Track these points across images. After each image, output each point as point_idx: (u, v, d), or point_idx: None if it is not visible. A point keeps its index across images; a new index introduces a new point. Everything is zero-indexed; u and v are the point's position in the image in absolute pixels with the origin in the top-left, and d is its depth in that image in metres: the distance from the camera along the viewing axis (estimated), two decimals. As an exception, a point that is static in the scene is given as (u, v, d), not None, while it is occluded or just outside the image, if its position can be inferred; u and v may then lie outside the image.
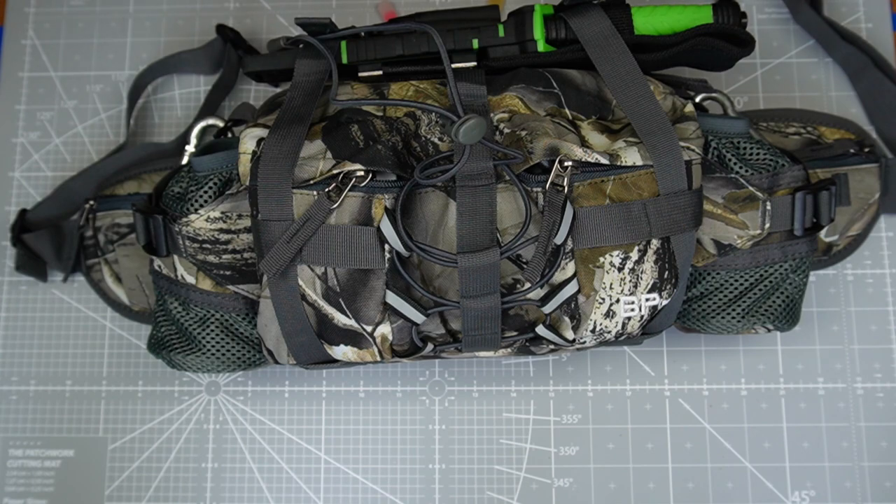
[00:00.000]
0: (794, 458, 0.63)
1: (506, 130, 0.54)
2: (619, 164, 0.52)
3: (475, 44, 0.58)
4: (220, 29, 0.69)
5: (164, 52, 0.72)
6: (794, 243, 0.58)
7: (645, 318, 0.54)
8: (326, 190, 0.51)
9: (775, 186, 0.57)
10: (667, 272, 0.54)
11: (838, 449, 0.63)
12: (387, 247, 0.52)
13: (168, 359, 0.59)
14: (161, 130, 0.71)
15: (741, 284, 0.58)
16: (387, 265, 0.52)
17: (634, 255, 0.53)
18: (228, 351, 0.59)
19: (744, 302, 0.58)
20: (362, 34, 0.58)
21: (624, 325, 0.54)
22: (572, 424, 0.64)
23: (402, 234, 0.51)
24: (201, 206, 0.55)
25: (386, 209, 0.51)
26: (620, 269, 0.53)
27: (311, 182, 0.51)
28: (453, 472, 0.64)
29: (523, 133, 0.53)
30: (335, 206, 0.51)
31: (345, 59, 0.58)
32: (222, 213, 0.55)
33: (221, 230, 0.55)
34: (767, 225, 0.56)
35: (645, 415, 0.64)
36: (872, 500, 0.62)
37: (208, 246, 0.56)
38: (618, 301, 0.53)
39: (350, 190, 0.51)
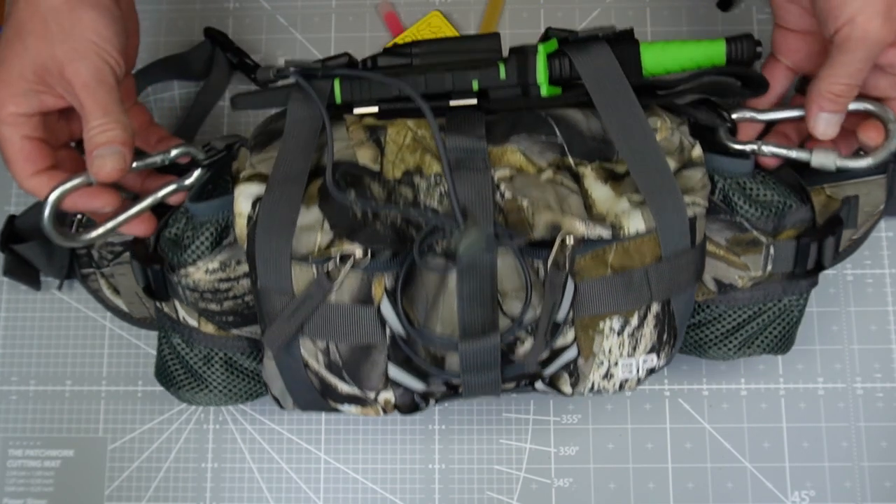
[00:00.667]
0: (794, 458, 0.63)
1: (507, 194, 0.51)
2: (621, 234, 0.51)
3: (475, 85, 0.56)
4: (209, 32, 0.69)
5: (163, 52, 0.72)
6: (796, 281, 0.57)
7: (642, 378, 0.55)
8: (326, 269, 0.50)
9: (780, 228, 0.55)
10: (666, 335, 0.54)
11: (838, 449, 0.63)
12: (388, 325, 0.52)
13: (176, 395, 0.60)
14: (161, 130, 0.71)
15: (739, 317, 0.58)
16: (388, 341, 0.52)
17: (634, 321, 0.52)
18: (235, 386, 0.60)
19: (742, 334, 0.58)
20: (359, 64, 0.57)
21: (621, 384, 0.54)
22: (572, 424, 0.64)
23: (402, 318, 0.51)
24: (199, 257, 0.55)
25: (386, 290, 0.51)
26: (620, 334, 0.52)
27: (310, 258, 0.51)
28: (453, 472, 0.64)
29: (525, 203, 0.51)
30: (334, 285, 0.51)
31: (338, 99, 0.56)
32: (221, 262, 0.55)
33: (221, 279, 0.55)
34: (769, 268, 0.56)
35: (645, 415, 0.64)
36: (872, 500, 0.62)
37: (209, 295, 0.56)
38: (616, 364, 0.53)
39: (350, 268, 0.51)
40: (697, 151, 0.54)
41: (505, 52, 0.57)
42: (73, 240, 0.54)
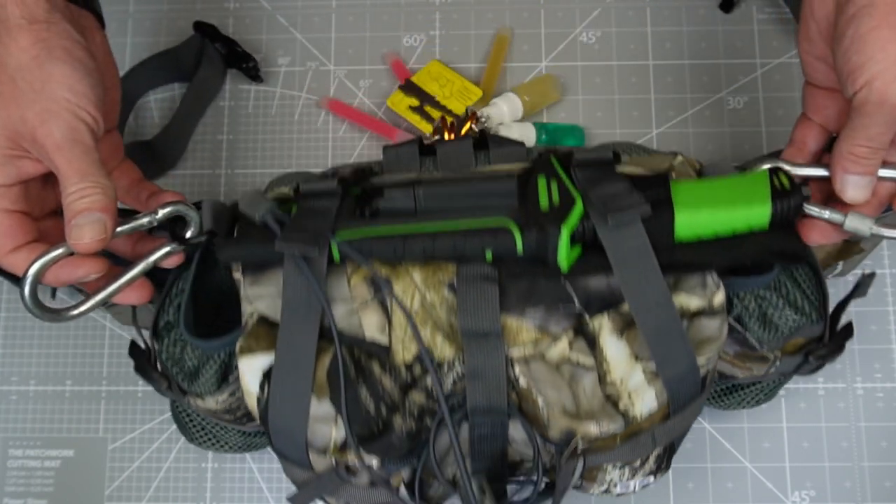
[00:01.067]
0: (794, 458, 0.63)
1: (521, 380, 0.49)
2: (633, 419, 0.49)
3: (489, 255, 0.50)
4: (198, 25, 0.69)
5: (164, 52, 0.72)
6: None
7: (637, 492, 0.54)
8: (345, 464, 0.50)
9: (790, 338, 0.53)
10: (664, 462, 0.53)
11: (838, 449, 0.63)
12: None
13: (192, 443, 0.61)
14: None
15: (734, 385, 0.59)
16: None
17: (637, 462, 0.52)
18: (251, 443, 0.61)
19: (735, 397, 0.60)
20: (359, 214, 0.52)
21: (618, 496, 0.54)
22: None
23: (420, 500, 0.51)
24: (207, 392, 0.53)
25: (403, 482, 0.51)
26: (621, 468, 0.52)
27: (327, 453, 0.50)
28: (453, 472, 0.64)
29: (539, 400, 0.49)
30: (353, 479, 0.51)
31: (336, 258, 0.51)
32: (230, 393, 0.53)
33: (233, 404, 0.54)
34: (772, 370, 0.55)
35: (645, 415, 0.64)
36: (872, 500, 0.62)
37: (222, 413, 0.55)
38: (615, 485, 0.53)
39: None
40: (720, 298, 0.50)
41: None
42: (59, 317, 0.50)
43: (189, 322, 0.52)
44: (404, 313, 0.49)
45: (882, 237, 0.52)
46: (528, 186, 0.51)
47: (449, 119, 0.67)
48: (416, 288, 0.51)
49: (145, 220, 0.51)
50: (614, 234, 0.49)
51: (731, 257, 0.50)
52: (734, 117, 0.69)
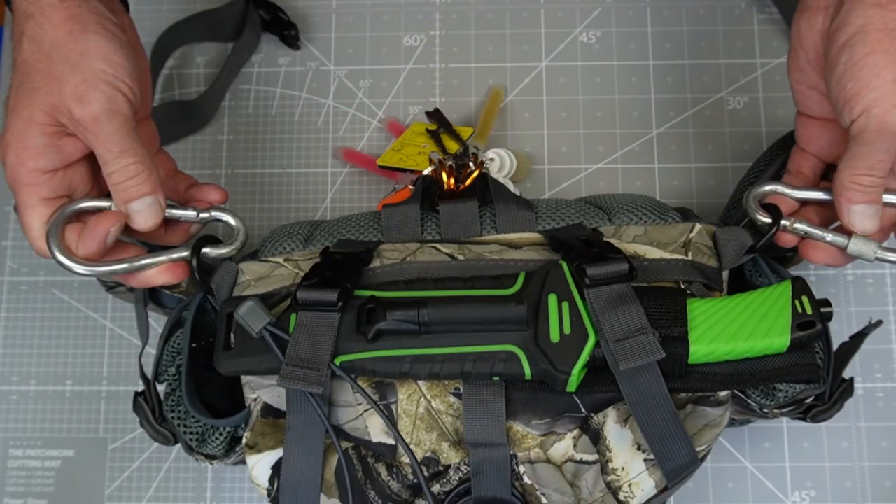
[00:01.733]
0: (794, 458, 0.63)
1: (525, 478, 0.50)
2: None
3: (496, 379, 0.49)
4: None
5: (164, 52, 0.72)
6: None
7: None
8: None
9: (792, 401, 0.52)
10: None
11: (838, 449, 0.63)
12: None
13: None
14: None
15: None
16: None
17: None
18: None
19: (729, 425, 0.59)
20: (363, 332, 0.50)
21: None
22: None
23: None
24: (215, 457, 0.53)
25: None
26: None
27: None
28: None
29: (543, 500, 0.50)
30: None
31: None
32: (239, 456, 0.54)
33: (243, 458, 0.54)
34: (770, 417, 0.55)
35: (645, 415, 0.64)
36: (872, 500, 0.62)
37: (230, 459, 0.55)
38: None
39: None
40: (726, 392, 0.50)
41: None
42: (80, 264, 0.49)
43: (192, 394, 0.52)
44: (403, 445, 0.49)
45: (887, 261, 0.51)
46: (539, 307, 0.49)
47: (444, 158, 0.62)
48: (422, 395, 0.51)
49: (192, 213, 0.52)
50: (627, 376, 0.48)
51: (744, 381, 0.49)
52: (734, 117, 0.69)
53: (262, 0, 0.70)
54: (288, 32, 0.71)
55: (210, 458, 0.54)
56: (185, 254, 0.52)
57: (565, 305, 0.49)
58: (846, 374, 0.54)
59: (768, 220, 0.53)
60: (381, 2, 0.73)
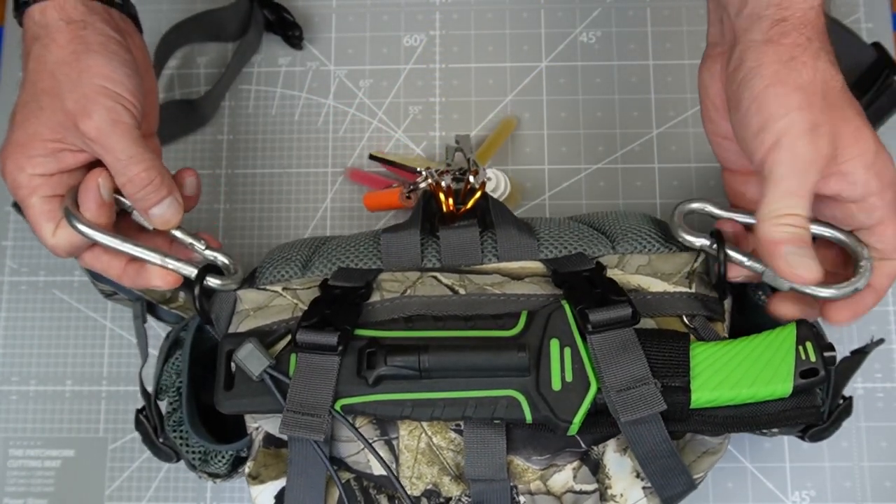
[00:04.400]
0: (794, 458, 0.63)
1: None
2: None
3: (496, 422, 0.50)
4: None
5: (164, 52, 0.72)
6: None
7: None
8: None
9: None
10: None
11: (838, 449, 0.63)
12: None
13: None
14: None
15: None
16: None
17: None
18: None
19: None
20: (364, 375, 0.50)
21: None
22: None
23: None
24: (218, 476, 0.54)
25: None
26: None
27: None
28: (453, 472, 0.64)
29: None
30: None
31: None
32: (241, 478, 0.55)
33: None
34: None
35: (645, 415, 0.64)
36: (872, 500, 0.62)
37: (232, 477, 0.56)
38: None
39: None
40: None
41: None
42: (104, 234, 0.51)
43: (194, 416, 0.52)
44: (399, 487, 0.50)
45: (805, 293, 0.50)
46: (541, 352, 0.49)
47: (442, 172, 0.62)
48: (423, 431, 0.51)
49: (189, 240, 0.54)
50: (629, 423, 0.48)
51: (744, 425, 0.49)
52: (734, 117, 0.69)
53: (267, 0, 0.71)
54: (292, 33, 0.71)
55: (213, 476, 0.54)
56: (192, 271, 0.53)
57: (567, 352, 0.49)
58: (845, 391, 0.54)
59: (690, 239, 0.52)
60: (381, 2, 0.73)
